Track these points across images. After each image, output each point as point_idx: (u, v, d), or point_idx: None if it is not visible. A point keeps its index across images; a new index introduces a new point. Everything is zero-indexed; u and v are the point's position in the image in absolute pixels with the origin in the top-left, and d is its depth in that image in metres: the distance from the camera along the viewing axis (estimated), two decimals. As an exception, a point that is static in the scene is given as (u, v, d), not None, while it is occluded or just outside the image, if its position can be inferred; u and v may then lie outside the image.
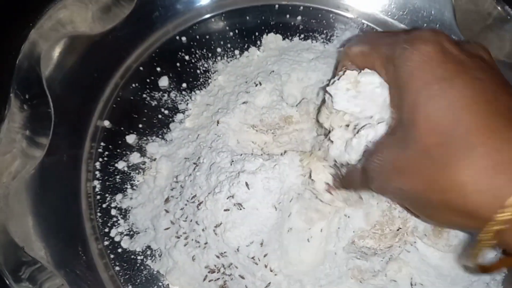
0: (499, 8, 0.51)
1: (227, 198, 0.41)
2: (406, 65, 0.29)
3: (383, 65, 0.32)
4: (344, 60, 0.38)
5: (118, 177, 0.49)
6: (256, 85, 0.49)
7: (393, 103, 0.32)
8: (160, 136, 0.51)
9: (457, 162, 0.26)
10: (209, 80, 0.54)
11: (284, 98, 0.49)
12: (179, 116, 0.52)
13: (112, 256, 0.47)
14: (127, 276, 0.46)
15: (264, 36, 0.56)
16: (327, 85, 0.37)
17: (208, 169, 0.44)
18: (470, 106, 0.26)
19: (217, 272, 0.43)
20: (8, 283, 0.39)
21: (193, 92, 0.53)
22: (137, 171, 0.50)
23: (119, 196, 0.49)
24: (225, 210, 0.41)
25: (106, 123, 0.52)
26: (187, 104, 0.52)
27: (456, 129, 0.26)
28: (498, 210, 0.24)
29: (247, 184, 0.41)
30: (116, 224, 0.48)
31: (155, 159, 0.50)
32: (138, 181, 0.49)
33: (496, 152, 0.25)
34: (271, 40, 0.55)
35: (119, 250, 0.47)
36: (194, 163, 0.46)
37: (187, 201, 0.44)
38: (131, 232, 0.47)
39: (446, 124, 0.27)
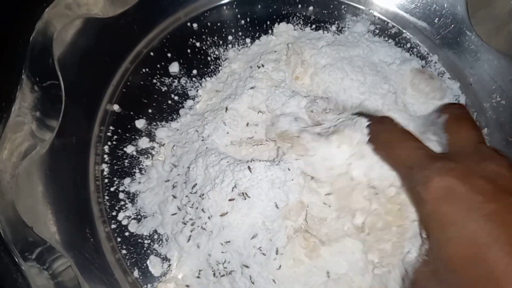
0: (511, 3, 0.51)
1: (232, 188, 0.41)
2: (424, 205, 0.30)
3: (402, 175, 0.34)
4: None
5: (126, 161, 0.49)
6: (259, 68, 0.49)
7: (422, 231, 0.32)
8: (169, 122, 0.51)
9: None
10: (220, 68, 0.54)
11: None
12: (189, 102, 0.52)
13: (119, 239, 0.47)
14: (133, 260, 0.46)
15: (276, 25, 0.55)
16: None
17: (206, 158, 0.44)
18: (487, 243, 0.27)
19: (222, 263, 0.43)
20: (17, 261, 0.39)
21: (203, 79, 0.53)
22: (145, 156, 0.50)
23: (127, 180, 0.49)
24: (230, 200, 0.41)
25: (116, 107, 0.52)
26: (197, 90, 0.52)
27: (479, 267, 0.27)
28: None
29: (249, 168, 0.40)
30: (123, 207, 0.48)
31: (163, 145, 0.50)
32: (146, 165, 0.49)
33: None
34: (283, 29, 0.55)
35: (126, 233, 0.47)
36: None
37: (192, 188, 0.44)
38: (139, 216, 0.47)
39: (470, 265, 0.27)
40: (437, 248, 0.29)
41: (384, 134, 0.36)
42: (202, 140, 0.47)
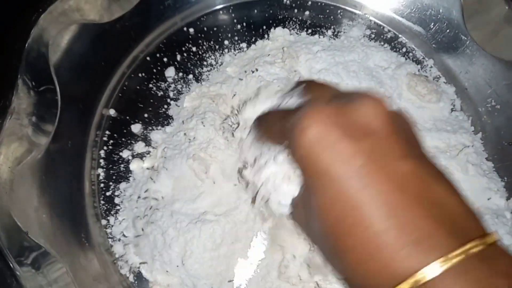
0: (506, 8, 0.51)
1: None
2: (295, 152, 0.27)
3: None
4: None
5: (122, 165, 0.49)
6: (253, 72, 0.49)
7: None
8: (164, 126, 0.51)
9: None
10: (214, 71, 0.54)
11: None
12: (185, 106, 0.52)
13: (114, 244, 0.47)
14: (129, 264, 0.46)
15: (272, 30, 0.56)
16: None
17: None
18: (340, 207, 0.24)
19: None
20: (12, 266, 0.39)
21: (199, 83, 0.53)
22: (141, 160, 0.50)
23: (123, 185, 0.49)
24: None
25: (112, 111, 0.52)
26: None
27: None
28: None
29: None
30: (119, 212, 0.48)
31: (156, 147, 0.50)
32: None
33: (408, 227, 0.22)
34: (279, 34, 0.55)
35: (122, 238, 0.47)
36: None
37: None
38: (134, 221, 0.47)
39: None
40: (309, 192, 0.27)
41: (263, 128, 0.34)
42: (189, 141, 0.47)
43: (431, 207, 0.23)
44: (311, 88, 0.32)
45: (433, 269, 0.21)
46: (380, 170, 0.24)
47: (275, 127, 0.31)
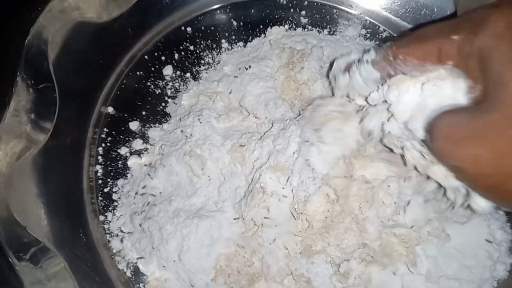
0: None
1: None
2: (494, 28, 0.26)
3: (452, 44, 0.29)
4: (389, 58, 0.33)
5: (120, 162, 0.50)
6: (247, 69, 0.50)
7: (472, 75, 0.29)
8: (162, 124, 0.52)
9: None
10: (211, 70, 0.54)
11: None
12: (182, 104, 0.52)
13: (112, 239, 0.47)
14: (126, 260, 0.47)
15: (268, 29, 0.56)
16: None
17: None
18: None
19: None
20: (11, 261, 0.39)
21: (196, 82, 0.54)
22: (139, 157, 0.50)
23: (120, 181, 0.49)
24: None
25: (110, 109, 0.52)
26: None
27: None
28: None
29: None
30: (117, 208, 0.48)
31: (154, 144, 0.51)
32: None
33: None
34: (275, 32, 0.56)
35: (120, 234, 0.47)
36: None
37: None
38: (132, 217, 0.48)
39: None
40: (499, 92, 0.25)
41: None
42: (186, 138, 0.48)
43: None
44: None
45: None
46: None
47: (441, 25, 0.30)
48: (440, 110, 0.30)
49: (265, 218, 0.41)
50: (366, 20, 0.59)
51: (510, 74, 0.25)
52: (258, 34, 0.56)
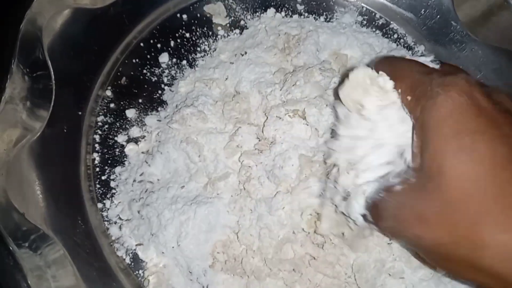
0: (496, -6, 0.52)
1: None
2: (437, 110, 0.28)
3: (410, 102, 0.30)
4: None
5: (117, 150, 0.50)
6: (242, 55, 0.50)
7: (415, 144, 0.30)
8: (159, 111, 0.52)
9: (489, 223, 0.25)
10: (207, 57, 0.54)
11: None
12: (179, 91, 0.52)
13: (110, 227, 0.47)
14: (125, 246, 0.47)
15: (263, 14, 0.56)
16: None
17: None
18: (502, 163, 0.26)
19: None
20: (11, 248, 0.39)
21: (193, 69, 0.53)
22: (136, 145, 0.50)
23: (118, 169, 0.49)
24: None
25: (108, 93, 0.52)
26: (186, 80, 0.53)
27: (489, 187, 0.25)
28: None
29: None
30: (115, 195, 0.48)
31: (151, 132, 0.51)
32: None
33: None
34: (270, 15, 0.56)
35: (118, 221, 0.48)
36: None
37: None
38: (130, 204, 0.48)
39: (476, 179, 0.26)
40: (432, 163, 0.28)
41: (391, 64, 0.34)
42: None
43: None
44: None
45: None
46: None
47: (413, 72, 0.31)
48: (380, 186, 0.31)
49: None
50: (363, 7, 0.59)
51: (447, 165, 0.27)
52: (254, 20, 0.56)
